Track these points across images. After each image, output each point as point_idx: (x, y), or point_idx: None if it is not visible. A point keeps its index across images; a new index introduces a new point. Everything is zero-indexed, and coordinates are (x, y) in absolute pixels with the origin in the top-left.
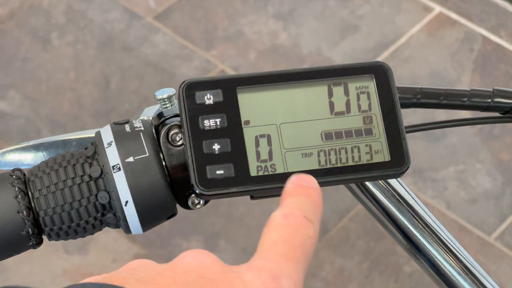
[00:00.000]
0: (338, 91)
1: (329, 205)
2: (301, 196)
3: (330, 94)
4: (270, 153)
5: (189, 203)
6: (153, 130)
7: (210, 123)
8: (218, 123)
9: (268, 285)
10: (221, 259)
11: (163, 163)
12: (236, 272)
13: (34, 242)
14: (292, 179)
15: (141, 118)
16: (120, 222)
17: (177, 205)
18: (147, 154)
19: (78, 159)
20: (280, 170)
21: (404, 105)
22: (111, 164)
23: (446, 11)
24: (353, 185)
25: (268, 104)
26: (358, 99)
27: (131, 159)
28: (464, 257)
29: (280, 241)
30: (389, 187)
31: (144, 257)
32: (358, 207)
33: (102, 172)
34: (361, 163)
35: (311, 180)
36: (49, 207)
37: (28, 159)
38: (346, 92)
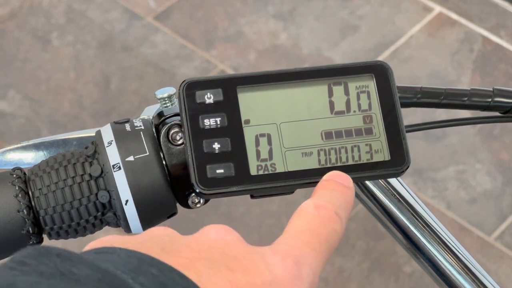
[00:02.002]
0: (338, 90)
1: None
2: (335, 192)
3: (330, 94)
4: (270, 152)
5: (189, 202)
6: (154, 129)
7: (210, 122)
8: (218, 122)
9: (290, 271)
10: None
11: (163, 162)
12: (261, 254)
13: (35, 241)
14: (330, 174)
15: (141, 117)
16: (120, 221)
17: (177, 204)
18: (148, 153)
19: (79, 158)
20: (280, 169)
21: (404, 105)
22: (112, 163)
23: (446, 11)
24: None
25: (268, 103)
26: (358, 98)
27: (131, 158)
28: (464, 256)
29: (307, 229)
30: (389, 187)
31: None
32: (358, 207)
33: (102, 171)
34: (361, 162)
35: (348, 180)
36: (49, 206)
37: (29, 158)
38: (346, 92)
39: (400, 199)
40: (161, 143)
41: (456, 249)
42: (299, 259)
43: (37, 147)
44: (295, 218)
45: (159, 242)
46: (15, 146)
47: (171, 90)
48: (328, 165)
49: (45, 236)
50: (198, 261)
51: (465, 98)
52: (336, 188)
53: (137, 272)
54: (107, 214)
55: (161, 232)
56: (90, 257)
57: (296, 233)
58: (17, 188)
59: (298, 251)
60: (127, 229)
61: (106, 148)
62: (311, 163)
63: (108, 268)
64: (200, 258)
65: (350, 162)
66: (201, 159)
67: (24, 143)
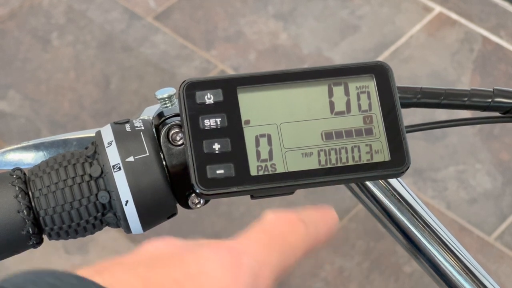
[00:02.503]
0: (338, 91)
1: (329, 205)
2: (306, 209)
3: (331, 94)
4: (270, 152)
5: (189, 202)
6: (154, 130)
7: (210, 122)
8: (219, 123)
9: (223, 259)
10: None
11: (164, 162)
12: (192, 250)
13: (35, 242)
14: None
15: (141, 117)
16: (120, 222)
17: (177, 205)
18: (148, 154)
19: (79, 159)
20: (280, 169)
21: (404, 105)
22: (112, 164)
23: (446, 11)
24: (353, 185)
25: (268, 103)
26: (358, 98)
27: (131, 158)
28: (465, 257)
29: (258, 229)
30: (389, 187)
31: None
32: (358, 207)
33: (102, 172)
34: (361, 162)
35: (331, 210)
36: (49, 207)
37: (29, 158)
38: (346, 92)
39: (400, 199)
40: (161, 143)
41: (456, 249)
42: (237, 248)
43: (37, 147)
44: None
45: (96, 264)
46: (15, 146)
47: (171, 90)
48: (328, 166)
49: (45, 237)
50: (116, 266)
51: (465, 99)
52: (310, 207)
53: (29, 283)
54: (107, 214)
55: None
56: None
57: (245, 233)
58: (17, 188)
59: (238, 244)
60: (127, 230)
61: (106, 149)
62: (311, 164)
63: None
64: (120, 264)
65: (350, 162)
66: (201, 159)
67: (24, 144)
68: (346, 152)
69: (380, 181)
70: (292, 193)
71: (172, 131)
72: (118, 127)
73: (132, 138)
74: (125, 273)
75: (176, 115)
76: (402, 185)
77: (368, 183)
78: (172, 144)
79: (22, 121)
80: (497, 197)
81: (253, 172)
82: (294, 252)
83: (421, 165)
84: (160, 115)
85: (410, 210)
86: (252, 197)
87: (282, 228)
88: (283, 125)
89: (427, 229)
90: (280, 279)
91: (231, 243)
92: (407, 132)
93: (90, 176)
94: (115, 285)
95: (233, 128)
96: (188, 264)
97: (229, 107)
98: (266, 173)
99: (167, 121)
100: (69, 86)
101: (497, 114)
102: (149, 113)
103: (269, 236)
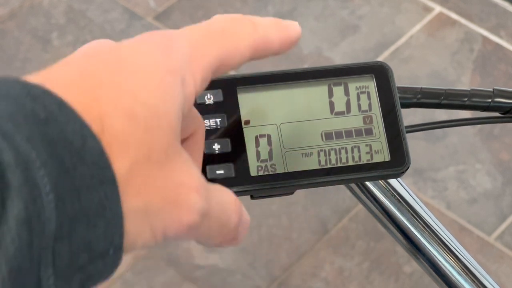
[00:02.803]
0: (338, 91)
1: (329, 205)
2: (266, 18)
3: (330, 94)
4: (270, 153)
5: None
6: None
7: (210, 123)
8: (218, 123)
9: (155, 39)
10: (221, 260)
11: None
12: (129, 39)
13: None
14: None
15: None
16: None
17: None
18: None
19: None
20: (280, 170)
21: (404, 105)
22: None
23: (446, 11)
24: (353, 185)
25: (268, 104)
26: (358, 99)
27: None
28: (464, 257)
29: (199, 24)
30: (389, 187)
31: (144, 259)
32: (358, 207)
33: None
34: (361, 163)
35: (295, 23)
36: None
37: None
38: (346, 92)
39: (400, 199)
40: None
41: (456, 250)
42: (171, 33)
43: None
44: None
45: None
46: None
47: None
48: (328, 166)
49: None
50: (50, 69)
51: (465, 99)
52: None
53: None
54: None
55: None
56: None
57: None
58: None
59: (175, 31)
60: None
61: None
62: (311, 164)
63: None
64: (57, 64)
65: (350, 162)
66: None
67: None
68: (346, 152)
69: (380, 181)
70: (292, 193)
71: None
72: None
73: None
74: (59, 69)
75: None
76: (402, 185)
77: (368, 183)
78: None
79: None
80: (497, 197)
81: (253, 172)
82: (237, 48)
83: (421, 165)
84: None
85: (410, 210)
86: (252, 197)
87: (226, 23)
88: (283, 125)
89: (427, 229)
90: (219, 73)
91: (166, 30)
92: (407, 132)
93: None
94: (55, 80)
95: (233, 129)
96: (120, 49)
97: (229, 107)
98: (266, 173)
99: None
100: None
101: (497, 114)
102: None
103: (209, 28)
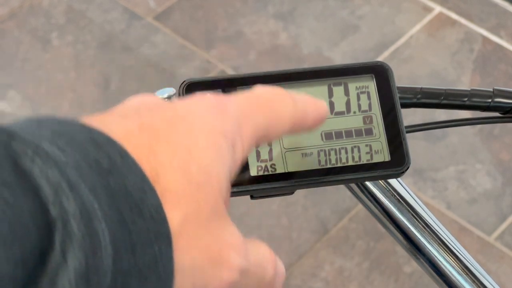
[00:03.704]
0: (338, 91)
1: (329, 205)
2: (301, 93)
3: (330, 94)
4: (270, 153)
5: None
6: None
7: None
8: None
9: (210, 102)
10: None
11: None
12: (180, 100)
13: None
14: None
15: None
16: None
17: None
18: None
19: None
20: (280, 170)
21: (404, 105)
22: None
23: (446, 11)
24: (353, 185)
25: None
26: (358, 99)
27: None
28: (464, 257)
29: (246, 93)
30: (389, 187)
31: None
32: (358, 207)
33: None
34: (361, 163)
35: (322, 101)
36: None
37: None
38: (346, 92)
39: (400, 199)
40: None
41: (456, 250)
42: (224, 99)
43: None
44: None
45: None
46: None
47: (171, 90)
48: (328, 166)
49: None
50: (107, 116)
51: (465, 99)
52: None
53: (29, 126)
54: None
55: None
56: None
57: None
58: None
59: (226, 97)
60: None
61: None
62: (311, 164)
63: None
64: (110, 114)
65: (350, 162)
66: None
67: None
68: (346, 152)
69: (380, 181)
70: (292, 193)
71: None
72: None
73: None
74: (116, 119)
75: None
76: (402, 185)
77: (368, 183)
78: None
79: None
80: (497, 197)
81: (253, 172)
82: (279, 121)
83: (421, 165)
84: None
85: (410, 210)
86: (252, 197)
87: (270, 96)
88: None
89: (427, 229)
90: (260, 145)
91: (218, 95)
92: (407, 132)
93: None
94: (108, 129)
95: None
96: (176, 108)
97: None
98: (266, 173)
99: None
100: (69, 86)
101: (497, 114)
102: None
103: (256, 98)
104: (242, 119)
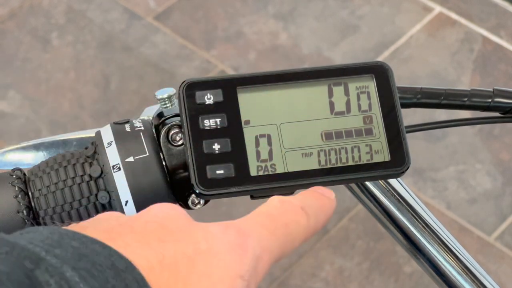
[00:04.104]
0: (338, 91)
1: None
2: (309, 195)
3: (330, 94)
4: (270, 153)
5: (189, 203)
6: (153, 130)
7: (210, 122)
8: (218, 123)
9: (230, 240)
10: None
11: (163, 163)
12: (202, 226)
13: None
14: (314, 187)
15: (141, 117)
16: None
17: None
18: (147, 154)
19: (78, 159)
20: (280, 170)
21: (404, 105)
22: (111, 164)
23: (446, 11)
24: (353, 185)
25: (268, 104)
26: (358, 99)
27: (131, 159)
28: (464, 257)
29: (264, 213)
30: (389, 187)
31: None
32: (358, 207)
33: (102, 172)
34: (361, 163)
35: (329, 192)
36: (49, 207)
37: (28, 158)
38: (346, 92)
39: (400, 199)
40: (161, 143)
41: (456, 250)
42: (244, 231)
43: (36, 147)
44: (258, 207)
45: (96, 223)
46: (15, 146)
47: (171, 90)
48: (328, 166)
49: None
50: (129, 234)
51: (465, 99)
52: (312, 194)
53: (55, 245)
54: None
55: (104, 215)
56: (9, 236)
57: (252, 215)
58: (16, 188)
59: (246, 225)
60: None
61: (106, 149)
62: (311, 164)
63: (19, 242)
64: (131, 232)
65: (350, 162)
66: (201, 159)
67: (24, 144)
68: (346, 153)
69: (380, 181)
70: (292, 193)
71: (172, 131)
72: (118, 127)
73: (132, 138)
74: (137, 243)
75: (176, 115)
76: (402, 185)
77: (368, 183)
78: (172, 144)
79: (22, 121)
80: (497, 197)
81: (253, 172)
82: (293, 241)
83: (421, 165)
84: (160, 115)
85: (410, 210)
86: (252, 197)
87: (286, 216)
88: (283, 125)
89: (427, 229)
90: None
91: (239, 223)
92: (407, 132)
93: (90, 176)
94: (130, 256)
95: (233, 128)
96: (198, 241)
97: (229, 107)
98: (266, 173)
99: (167, 121)
100: (69, 86)
101: (497, 114)
102: (149, 113)
103: (274, 223)
104: (261, 254)
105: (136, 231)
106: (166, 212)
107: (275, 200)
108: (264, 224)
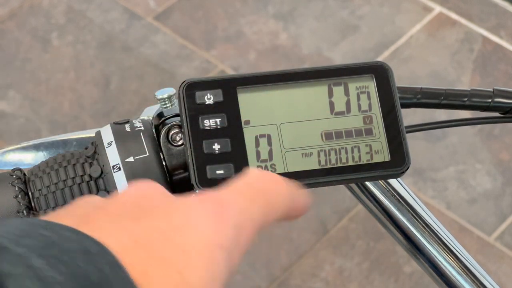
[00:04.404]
0: (338, 91)
1: (329, 205)
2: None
3: (330, 94)
4: (270, 153)
5: None
6: (153, 130)
7: (210, 123)
8: (218, 123)
9: (208, 208)
10: None
11: (163, 163)
12: (178, 199)
13: None
14: None
15: (141, 118)
16: None
17: None
18: (147, 154)
19: (78, 159)
20: (280, 170)
21: (404, 105)
22: (111, 164)
23: (446, 11)
24: (353, 185)
25: (268, 104)
26: (358, 99)
27: (131, 159)
28: (464, 257)
29: (243, 183)
30: (389, 187)
31: None
32: (358, 207)
33: (102, 172)
34: (361, 163)
35: (306, 191)
36: (49, 207)
37: (28, 159)
38: (346, 92)
39: (400, 199)
40: (161, 143)
41: (456, 250)
42: (223, 200)
43: (36, 147)
44: (237, 177)
45: (78, 208)
46: (15, 146)
47: (171, 90)
48: (328, 166)
49: None
50: (102, 217)
51: (465, 99)
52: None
53: (24, 235)
54: None
55: (84, 200)
56: None
57: (231, 185)
58: (16, 189)
59: (225, 194)
60: None
61: (106, 149)
62: (311, 164)
63: None
64: (106, 214)
65: (350, 162)
66: (201, 159)
67: (24, 144)
68: (346, 153)
69: (380, 181)
70: None
71: (172, 131)
72: (118, 128)
73: (132, 139)
74: (111, 225)
75: (176, 115)
76: (402, 185)
77: (368, 183)
78: (172, 144)
79: (22, 121)
80: (497, 197)
81: None
82: (275, 210)
83: (421, 165)
84: (160, 115)
85: (410, 210)
86: None
87: (266, 185)
88: (283, 125)
89: (427, 229)
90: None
91: (217, 193)
92: (407, 132)
93: (90, 176)
94: (104, 239)
95: (233, 128)
96: (173, 215)
97: (229, 107)
98: None
99: (167, 121)
100: (69, 86)
101: (497, 114)
102: (149, 113)
103: (253, 191)
104: (242, 223)
105: (110, 213)
106: (142, 190)
107: (255, 171)
108: (243, 192)
